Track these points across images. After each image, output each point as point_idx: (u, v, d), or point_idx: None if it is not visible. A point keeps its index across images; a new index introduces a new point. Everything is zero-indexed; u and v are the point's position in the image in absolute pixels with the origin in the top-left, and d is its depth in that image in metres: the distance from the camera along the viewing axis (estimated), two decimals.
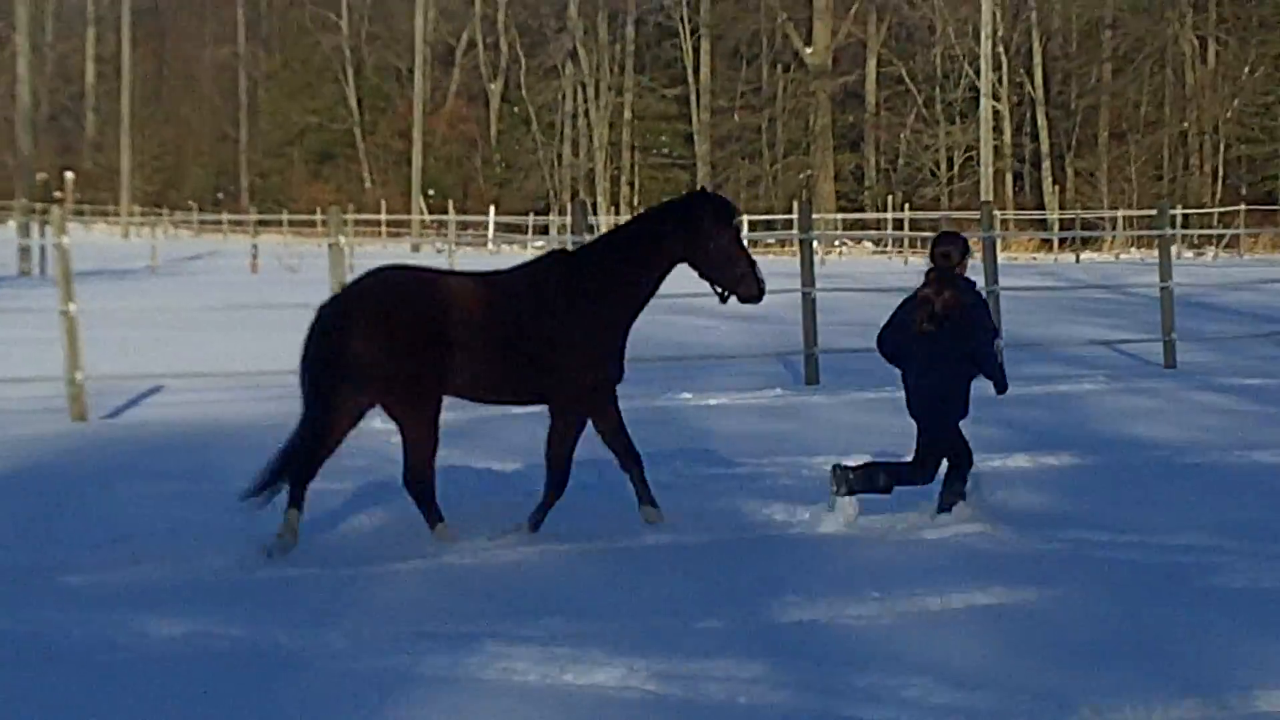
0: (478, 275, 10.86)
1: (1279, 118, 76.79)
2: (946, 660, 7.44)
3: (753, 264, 10.66)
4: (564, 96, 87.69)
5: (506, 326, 10.32)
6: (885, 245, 62.96)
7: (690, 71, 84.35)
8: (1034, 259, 58.21)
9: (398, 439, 10.40)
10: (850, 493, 10.57)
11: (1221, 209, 67.15)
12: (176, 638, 8.02)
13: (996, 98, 73.50)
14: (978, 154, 72.51)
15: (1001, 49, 74.14)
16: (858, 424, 15.91)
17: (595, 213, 76.16)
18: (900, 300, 10.97)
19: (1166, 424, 15.54)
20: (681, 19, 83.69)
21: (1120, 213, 62.30)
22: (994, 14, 71.50)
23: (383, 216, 77.23)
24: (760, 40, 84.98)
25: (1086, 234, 59.79)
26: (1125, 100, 78.20)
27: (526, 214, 76.45)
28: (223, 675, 7.42)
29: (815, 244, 23.23)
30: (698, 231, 10.57)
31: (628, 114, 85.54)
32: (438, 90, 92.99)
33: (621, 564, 9.76)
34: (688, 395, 18.00)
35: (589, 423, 10.71)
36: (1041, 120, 77.22)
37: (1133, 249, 61.06)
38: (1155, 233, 23.43)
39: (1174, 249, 44.53)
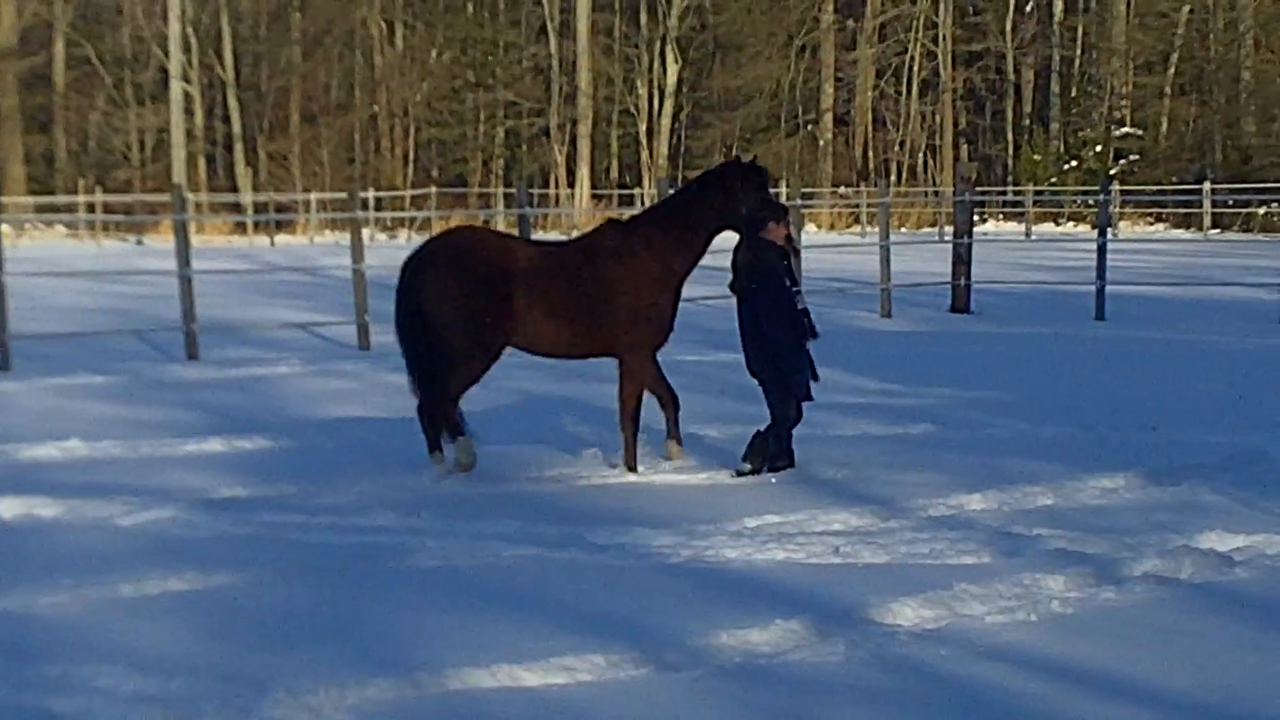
0: (540, 241, 12.57)
1: (466, 102, 79.75)
2: (140, 647, 7.43)
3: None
4: None
5: (565, 284, 11.50)
6: (77, 228, 61.55)
7: None
8: (229, 242, 58.09)
9: None
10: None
11: (414, 191, 68.99)
12: None
13: (187, 80, 73.19)
14: (169, 136, 71.90)
15: (191, 30, 73.82)
16: (52, 409, 15.60)
17: None
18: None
19: (361, 405, 15.80)
20: None
21: (314, 195, 62.90)
22: None
23: None
24: None
25: (280, 217, 60.30)
26: (316, 83, 79.35)
27: None
28: None
29: (5, 227, 22.51)
30: (732, 197, 11.68)
31: None
32: None
33: None
34: None
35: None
36: (233, 103, 77.39)
37: (327, 231, 61.83)
38: (347, 215, 23.89)
39: (366, 232, 45.54)
